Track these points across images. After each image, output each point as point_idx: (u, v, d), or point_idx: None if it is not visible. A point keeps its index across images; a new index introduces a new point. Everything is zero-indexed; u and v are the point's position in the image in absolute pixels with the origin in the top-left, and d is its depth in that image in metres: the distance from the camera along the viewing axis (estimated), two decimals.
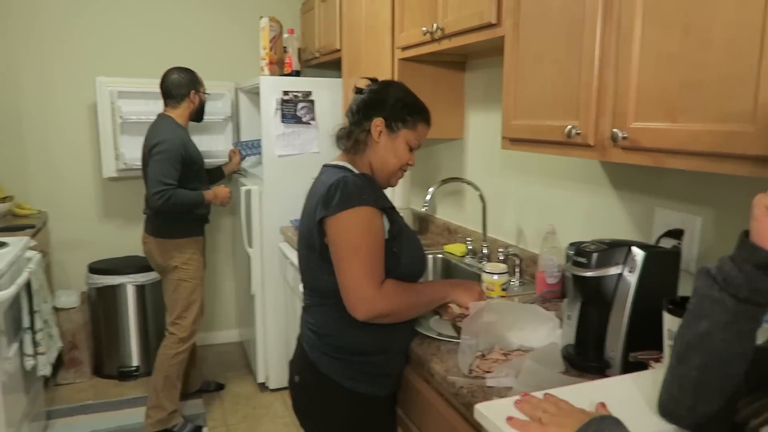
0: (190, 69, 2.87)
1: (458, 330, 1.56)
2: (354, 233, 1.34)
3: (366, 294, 1.33)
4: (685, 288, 1.28)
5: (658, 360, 1.15)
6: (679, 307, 0.94)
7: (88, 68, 3.49)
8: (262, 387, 3.31)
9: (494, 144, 2.34)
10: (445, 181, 2.26)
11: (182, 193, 2.68)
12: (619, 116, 1.24)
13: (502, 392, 1.23)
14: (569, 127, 1.35)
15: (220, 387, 3.34)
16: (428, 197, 2.14)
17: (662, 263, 1.32)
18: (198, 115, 2.93)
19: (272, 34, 3.21)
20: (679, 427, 0.83)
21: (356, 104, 1.54)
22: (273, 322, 3.20)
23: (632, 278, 1.28)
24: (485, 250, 2.26)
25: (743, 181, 1.33)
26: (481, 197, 2.26)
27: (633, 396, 0.94)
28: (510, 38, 1.61)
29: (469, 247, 2.37)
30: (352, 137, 1.51)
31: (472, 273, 2.20)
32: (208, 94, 2.97)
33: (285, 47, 3.31)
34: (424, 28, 2.05)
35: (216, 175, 3.26)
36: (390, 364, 1.50)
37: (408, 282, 1.47)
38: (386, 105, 1.50)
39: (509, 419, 0.82)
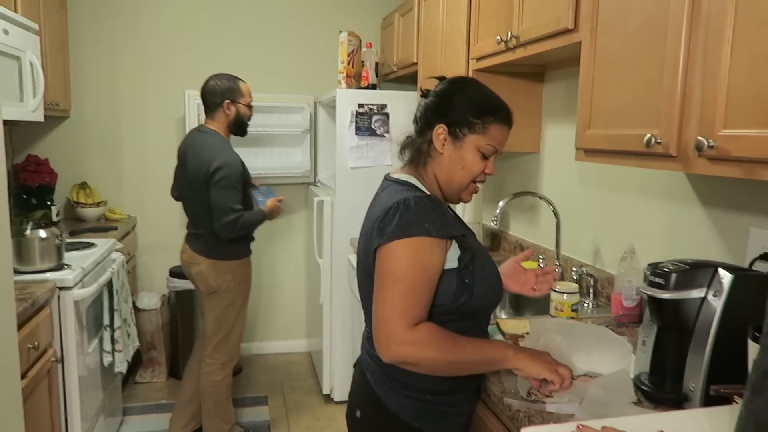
0: (232, 76, 2.65)
1: None
2: (400, 263, 1.17)
3: (393, 333, 1.15)
4: None
5: (742, 396, 1.02)
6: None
7: (179, 81, 3.68)
8: (327, 398, 3.30)
9: (572, 158, 2.22)
10: (516, 195, 2.17)
11: (249, 215, 2.56)
12: (706, 123, 1.13)
13: (563, 419, 1.13)
14: (648, 135, 1.25)
15: None
16: (498, 211, 2.06)
17: (754, 288, 1.18)
18: (238, 128, 2.67)
19: (350, 48, 3.26)
20: None
21: (420, 111, 1.37)
22: (340, 333, 3.20)
23: (717, 303, 1.15)
24: (558, 269, 2.14)
25: None
26: (555, 213, 2.15)
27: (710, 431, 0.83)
28: (587, 43, 1.53)
29: (541, 266, 2.25)
30: (415, 148, 1.35)
31: None
32: (250, 105, 2.68)
33: (363, 61, 3.34)
34: (498, 37, 1.99)
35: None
36: (463, 403, 1.34)
37: (478, 315, 1.32)
38: (449, 109, 1.30)
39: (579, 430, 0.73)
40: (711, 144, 1.10)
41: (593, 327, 1.42)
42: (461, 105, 1.30)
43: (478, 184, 1.36)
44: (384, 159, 3.15)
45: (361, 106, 3.08)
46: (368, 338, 1.38)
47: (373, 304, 1.22)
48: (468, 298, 1.24)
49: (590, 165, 2.12)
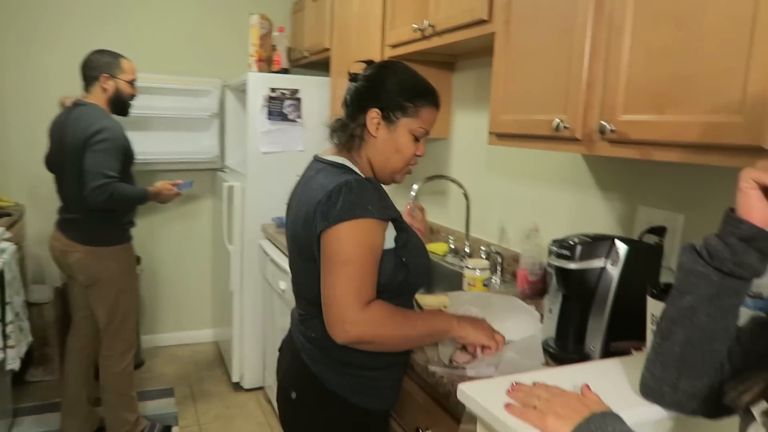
0: (114, 52, 2.53)
1: None
2: (347, 245, 1.18)
3: (347, 314, 1.16)
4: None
5: (639, 349, 1.15)
6: (662, 292, 0.94)
7: (71, 61, 3.42)
8: (237, 387, 3.25)
9: (480, 144, 2.35)
10: (430, 178, 2.26)
11: (124, 187, 2.40)
12: (608, 109, 1.25)
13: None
14: (557, 120, 1.36)
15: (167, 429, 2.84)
16: (413, 194, 2.14)
17: (645, 258, 1.33)
18: (118, 106, 2.53)
19: (262, 32, 3.20)
20: (661, 407, 0.83)
21: (349, 94, 1.37)
22: (251, 320, 3.16)
23: (615, 271, 1.29)
24: (467, 249, 2.26)
25: (728, 178, 1.35)
26: (465, 195, 2.26)
27: (615, 379, 0.93)
28: (501, 35, 1.62)
29: (451, 246, 2.37)
30: (347, 132, 1.34)
31: (454, 271, 2.20)
32: (134, 82, 2.55)
33: (274, 45, 3.30)
34: (414, 25, 2.06)
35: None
36: (396, 376, 1.39)
37: (411, 292, 1.37)
38: (381, 93, 1.31)
39: (507, 406, 0.80)
40: (612, 128, 1.22)
41: (506, 298, 1.52)
42: (393, 89, 1.32)
43: (411, 166, 1.40)
44: (296, 144, 3.14)
45: (273, 90, 3.05)
46: (301, 321, 1.38)
47: (322, 288, 1.21)
48: (405, 276, 1.27)
49: (496, 151, 2.25)
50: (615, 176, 1.71)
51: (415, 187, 2.16)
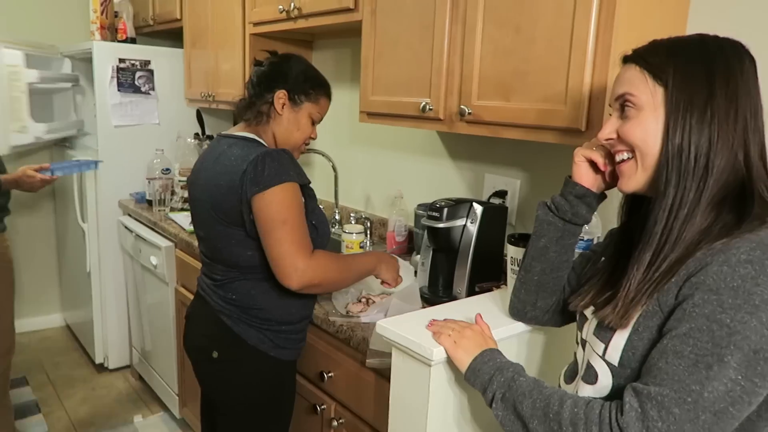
0: None
1: None
2: (281, 206, 1.34)
3: (298, 264, 1.34)
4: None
5: (498, 287, 1.47)
6: (518, 240, 1.24)
7: None
8: (101, 368, 3.17)
9: (342, 119, 2.55)
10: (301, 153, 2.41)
11: None
12: (465, 95, 1.52)
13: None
14: (424, 102, 1.61)
15: None
16: None
17: (495, 216, 1.66)
18: None
19: None
20: (525, 323, 1.14)
21: (257, 76, 1.53)
22: (113, 299, 3.08)
23: (474, 228, 1.60)
24: (337, 216, 2.48)
25: (550, 151, 1.72)
26: (334, 168, 2.46)
27: (489, 308, 1.23)
28: (368, 23, 1.82)
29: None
30: (254, 109, 1.50)
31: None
32: None
33: (117, 12, 3.14)
34: (280, 7, 2.17)
35: None
36: (305, 329, 1.57)
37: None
38: (288, 77, 1.50)
39: (430, 324, 1.05)
40: (469, 111, 1.50)
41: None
42: (300, 76, 1.53)
43: (306, 146, 1.61)
44: (151, 117, 3.07)
45: (122, 61, 2.93)
46: (219, 285, 1.50)
47: (267, 247, 1.36)
48: (315, 236, 1.46)
49: (357, 125, 2.47)
50: (465, 149, 2.02)
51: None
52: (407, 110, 1.69)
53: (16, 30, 3.34)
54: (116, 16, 3.16)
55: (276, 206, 1.35)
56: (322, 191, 2.69)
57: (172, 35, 3.37)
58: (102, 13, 3.05)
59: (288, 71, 1.52)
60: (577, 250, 1.12)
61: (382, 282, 1.60)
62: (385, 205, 2.37)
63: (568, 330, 1.12)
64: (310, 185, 1.50)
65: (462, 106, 1.51)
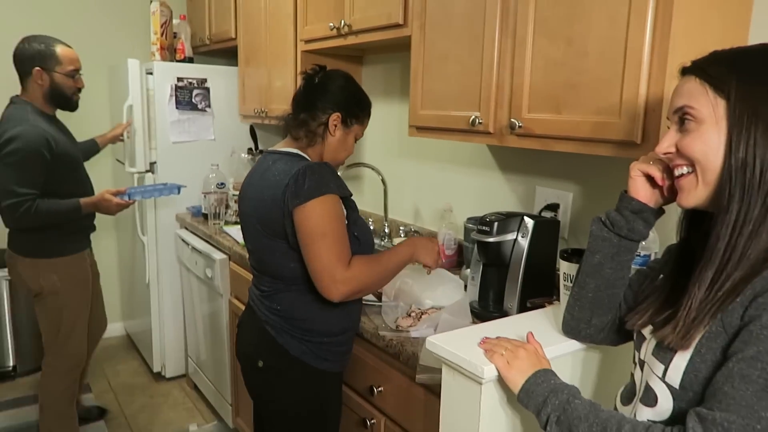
0: (48, 37, 2.26)
1: (377, 295, 1.77)
2: (321, 219, 1.38)
3: (336, 276, 1.38)
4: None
5: (551, 303, 1.44)
6: (571, 255, 1.21)
7: None
8: (158, 376, 3.27)
9: (392, 132, 2.57)
10: (349, 167, 2.44)
11: (46, 205, 2.12)
12: (515, 108, 1.51)
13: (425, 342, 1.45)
14: (473, 116, 1.60)
15: (103, 412, 2.89)
16: None
17: (547, 230, 1.62)
18: (58, 100, 2.28)
19: (163, 19, 3.17)
20: (579, 341, 1.11)
21: (308, 92, 1.56)
22: (170, 310, 3.18)
23: (525, 242, 1.57)
24: (386, 229, 2.49)
25: (604, 164, 1.68)
26: (383, 181, 2.48)
27: (541, 325, 1.20)
28: (417, 38, 1.83)
29: (371, 227, 2.58)
30: (305, 127, 1.54)
31: (378, 250, 2.42)
32: (75, 73, 2.30)
33: (176, 33, 3.28)
34: (331, 24, 2.21)
35: (89, 150, 2.72)
36: (349, 341, 1.60)
37: None
38: (341, 100, 1.54)
39: (482, 342, 1.03)
40: (520, 125, 1.49)
41: (435, 270, 1.76)
42: (353, 100, 1.59)
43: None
44: (207, 133, 3.18)
45: (180, 80, 3.05)
46: (266, 296, 1.55)
47: (308, 260, 1.41)
48: (359, 248, 1.49)
49: (406, 139, 2.48)
50: (515, 161, 2.00)
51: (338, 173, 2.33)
52: (456, 124, 1.69)
53: (81, 52, 3.52)
54: (175, 37, 3.30)
55: (315, 219, 1.39)
56: (372, 204, 2.71)
57: (227, 54, 3.49)
58: (162, 35, 3.19)
59: (340, 93, 1.56)
60: (634, 267, 1.08)
61: (424, 266, 1.63)
62: (435, 218, 2.36)
63: (625, 349, 1.09)
64: (352, 197, 1.54)
65: (512, 120, 1.50)
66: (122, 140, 2.87)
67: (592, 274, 1.03)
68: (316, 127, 1.54)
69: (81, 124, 3.56)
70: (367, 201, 2.77)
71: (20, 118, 2.15)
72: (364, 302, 1.73)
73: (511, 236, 1.59)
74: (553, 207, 1.82)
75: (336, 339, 1.54)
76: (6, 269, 3.14)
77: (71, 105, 2.35)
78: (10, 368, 3.27)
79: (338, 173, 1.58)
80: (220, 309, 2.63)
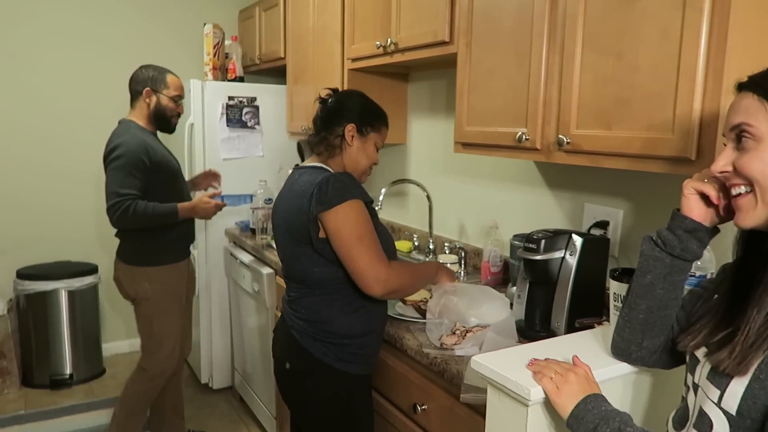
0: (160, 67, 2.48)
1: (422, 312, 1.76)
2: (355, 223, 1.49)
3: (381, 274, 1.49)
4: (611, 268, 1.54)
5: (600, 323, 1.40)
6: (621, 275, 1.18)
7: (12, 75, 3.38)
8: (205, 388, 3.34)
9: (437, 148, 2.57)
10: (394, 183, 2.45)
11: (145, 205, 2.26)
12: (563, 125, 1.49)
13: (470, 360, 1.43)
14: (520, 132, 1.59)
15: None
16: (381, 197, 2.33)
17: (596, 248, 1.59)
18: (160, 121, 2.46)
19: (216, 41, 3.29)
20: (629, 364, 1.07)
21: (325, 113, 1.69)
22: (218, 322, 3.25)
23: (573, 260, 1.54)
24: (431, 246, 2.48)
25: (656, 180, 1.63)
26: (428, 197, 2.48)
27: (590, 346, 1.17)
28: (463, 55, 1.84)
29: (416, 244, 2.58)
30: (325, 142, 1.67)
31: None
32: (178, 99, 2.49)
33: (227, 53, 3.39)
34: (378, 42, 2.24)
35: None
36: (372, 344, 1.65)
37: None
38: (354, 112, 1.67)
39: (530, 364, 1.02)
40: (568, 141, 1.46)
41: (480, 287, 1.74)
42: (365, 111, 1.71)
43: (370, 170, 1.76)
44: (256, 150, 3.25)
45: (231, 98, 3.14)
46: (290, 301, 1.66)
47: (348, 263, 1.51)
48: None
49: (451, 155, 2.48)
50: (563, 178, 1.97)
51: (383, 190, 2.35)
52: (503, 140, 1.68)
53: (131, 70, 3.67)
54: (227, 57, 3.41)
55: (350, 224, 1.50)
56: (417, 221, 2.71)
57: (275, 72, 3.58)
58: (215, 55, 3.29)
59: (353, 106, 1.69)
60: (687, 287, 1.05)
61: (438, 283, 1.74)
62: (480, 234, 2.34)
63: (676, 371, 1.05)
64: (372, 204, 1.62)
65: (560, 136, 1.47)
66: (215, 187, 2.80)
67: (644, 294, 1.00)
68: (333, 140, 1.66)
69: None
70: (411, 217, 2.77)
71: (124, 132, 2.36)
72: (407, 319, 1.73)
73: (558, 254, 1.56)
74: (603, 224, 1.78)
75: (357, 341, 1.59)
76: (67, 280, 3.33)
77: (170, 127, 2.51)
78: (67, 376, 3.40)
79: (375, 188, 1.63)
80: (266, 322, 2.66)
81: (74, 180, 3.63)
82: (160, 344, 2.48)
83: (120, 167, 2.25)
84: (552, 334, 1.55)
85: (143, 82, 2.42)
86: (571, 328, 1.50)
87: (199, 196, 2.48)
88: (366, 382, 1.67)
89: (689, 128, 1.19)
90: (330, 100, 1.71)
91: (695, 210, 0.94)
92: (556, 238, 1.56)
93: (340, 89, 1.78)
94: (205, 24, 3.31)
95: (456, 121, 1.89)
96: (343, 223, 1.49)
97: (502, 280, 2.10)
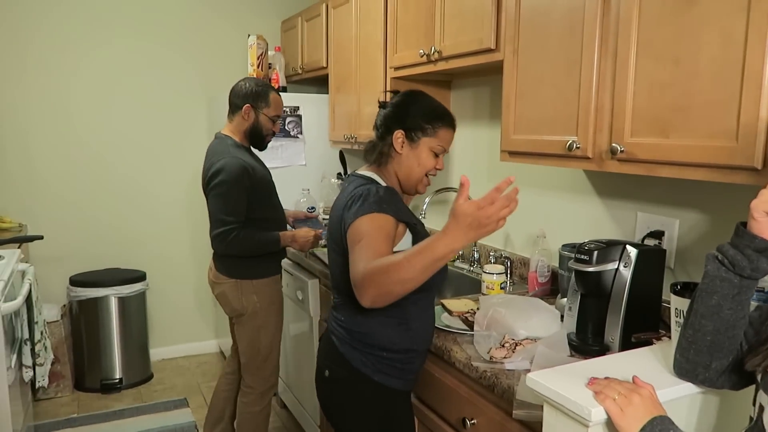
0: (264, 83, 2.45)
1: (469, 323, 1.73)
2: (362, 228, 1.40)
3: (356, 279, 1.32)
4: (668, 280, 1.48)
5: (659, 339, 1.35)
6: (683, 290, 1.13)
7: (67, 86, 3.50)
8: None
9: (481, 156, 2.54)
10: (438, 191, 2.43)
11: (250, 234, 2.27)
12: (617, 132, 1.45)
13: (520, 375, 1.40)
14: (571, 140, 1.55)
15: None
16: (425, 206, 2.31)
17: (651, 259, 1.53)
18: (254, 138, 2.42)
19: (259, 52, 3.33)
20: (693, 384, 1.03)
21: (379, 119, 1.63)
22: None
23: (627, 272, 1.49)
24: (476, 255, 2.45)
25: (714, 188, 1.56)
26: None
27: (650, 364, 1.13)
28: (509, 63, 1.81)
29: (460, 252, 2.55)
30: (377, 150, 1.61)
31: (466, 275, 2.38)
32: (276, 119, 2.44)
33: (270, 64, 3.43)
34: (421, 51, 2.23)
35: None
36: (415, 362, 1.59)
37: (431, 288, 1.54)
38: (405, 117, 1.57)
39: (591, 383, 0.98)
40: (622, 149, 1.42)
41: (528, 299, 1.71)
42: (415, 113, 1.58)
43: (430, 178, 1.64)
44: (298, 159, 3.28)
45: None
46: (333, 307, 1.65)
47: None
48: (431, 281, 1.41)
49: (496, 163, 2.44)
50: (614, 186, 1.91)
51: (426, 200, 2.33)
52: (552, 149, 1.65)
53: (182, 84, 3.77)
54: (270, 68, 3.45)
55: (356, 231, 1.42)
56: None
57: (318, 82, 3.61)
58: (258, 66, 3.34)
59: (406, 110, 1.59)
60: (753, 302, 1.00)
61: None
62: (526, 244, 2.30)
63: (745, 390, 1.00)
64: (418, 226, 1.54)
65: (613, 144, 1.43)
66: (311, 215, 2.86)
67: (709, 316, 0.96)
68: (383, 147, 1.60)
69: (182, 153, 3.82)
70: None
71: (222, 150, 2.31)
72: (454, 330, 1.71)
73: (612, 266, 1.51)
74: (657, 234, 1.72)
75: (396, 356, 1.55)
76: (117, 287, 3.42)
77: (263, 145, 2.49)
78: (117, 380, 3.49)
79: (424, 198, 1.58)
80: (310, 330, 2.67)
81: (127, 192, 3.74)
82: (266, 360, 2.45)
83: (224, 193, 2.23)
84: (605, 348, 1.51)
85: (244, 97, 2.37)
86: (626, 344, 1.45)
87: (302, 229, 2.46)
88: (406, 398, 1.62)
89: (755, 136, 1.14)
90: (387, 105, 1.63)
91: (765, 229, 0.90)
92: (609, 249, 1.52)
93: (395, 94, 1.66)
94: (249, 35, 3.36)
95: (502, 130, 1.86)
96: (353, 231, 1.42)
97: (550, 290, 2.05)
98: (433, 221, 2.92)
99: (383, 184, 1.57)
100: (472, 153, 2.61)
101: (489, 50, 1.92)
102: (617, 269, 1.51)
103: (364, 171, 1.63)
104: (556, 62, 1.62)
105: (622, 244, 1.52)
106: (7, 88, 3.40)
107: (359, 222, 1.42)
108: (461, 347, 1.59)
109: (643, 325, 1.48)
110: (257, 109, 2.38)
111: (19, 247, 2.96)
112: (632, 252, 1.49)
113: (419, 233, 1.53)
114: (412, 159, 1.58)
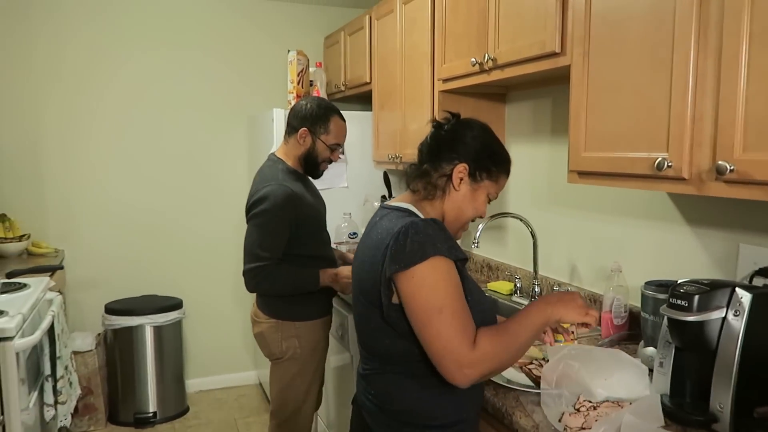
0: (329, 105, 2.16)
1: (534, 379, 1.45)
2: (434, 290, 1.15)
3: (462, 359, 1.13)
4: None
5: None
6: None
7: (106, 103, 3.43)
8: None
9: (541, 177, 2.26)
10: (494, 217, 2.16)
11: (285, 270, 2.02)
12: (722, 148, 1.16)
13: None
14: (660, 158, 1.27)
15: None
16: (478, 234, 2.04)
17: None
18: (308, 165, 2.15)
19: (300, 68, 3.16)
20: None
21: (435, 141, 1.35)
22: None
23: (739, 323, 1.18)
24: (537, 288, 2.15)
25: None
26: (532, 233, 2.16)
27: None
28: (578, 68, 1.54)
29: (518, 285, 2.26)
30: (427, 179, 1.32)
31: None
32: (336, 147, 2.17)
33: (312, 80, 3.26)
34: (473, 59, 1.99)
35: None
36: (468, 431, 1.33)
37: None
38: (471, 149, 1.31)
39: None
40: (731, 168, 1.12)
41: (608, 351, 1.42)
42: (485, 152, 1.33)
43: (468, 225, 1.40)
44: (340, 181, 3.07)
45: None
46: (363, 376, 1.35)
47: (425, 340, 1.16)
48: (480, 321, 1.21)
49: (559, 184, 2.15)
50: (709, 212, 1.60)
51: (480, 226, 2.06)
52: (634, 168, 1.36)
53: (221, 101, 3.65)
54: (311, 85, 3.28)
55: (427, 291, 1.15)
56: (518, 259, 2.39)
57: (361, 99, 3.42)
58: (299, 83, 3.17)
59: (471, 142, 1.32)
60: None
61: (577, 325, 1.32)
62: (596, 277, 2.00)
63: None
64: (461, 261, 1.23)
65: (720, 162, 1.14)
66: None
67: None
68: (437, 179, 1.31)
69: (220, 175, 3.68)
70: (512, 255, 2.45)
71: (271, 176, 2.07)
72: (516, 388, 1.42)
73: (718, 314, 1.20)
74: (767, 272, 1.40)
75: (445, 430, 1.25)
76: (152, 315, 3.28)
77: (316, 173, 2.22)
78: (151, 414, 3.32)
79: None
80: (349, 365, 2.43)
81: (165, 216, 3.62)
82: (300, 409, 2.15)
83: (263, 225, 2.00)
84: (712, 418, 1.20)
85: (302, 119, 2.12)
86: (740, 414, 1.14)
87: (345, 267, 2.12)
88: None
89: None
90: (446, 126, 1.36)
91: None
92: (713, 292, 1.21)
93: (454, 116, 1.39)
94: (289, 51, 3.20)
95: (570, 147, 1.58)
96: (418, 287, 1.15)
97: (627, 336, 1.74)
98: (485, 249, 2.65)
99: (420, 216, 1.29)
100: (531, 174, 2.33)
101: (553, 54, 1.66)
102: (725, 317, 1.20)
103: (400, 203, 1.34)
104: (639, 64, 1.35)
105: (730, 287, 1.21)
106: (46, 113, 3.34)
107: (421, 277, 1.15)
108: (525, 410, 1.31)
109: (763, 390, 1.16)
110: (315, 134, 2.11)
111: (51, 275, 2.85)
112: (744, 297, 1.18)
113: (465, 274, 1.25)
114: (468, 200, 1.33)
